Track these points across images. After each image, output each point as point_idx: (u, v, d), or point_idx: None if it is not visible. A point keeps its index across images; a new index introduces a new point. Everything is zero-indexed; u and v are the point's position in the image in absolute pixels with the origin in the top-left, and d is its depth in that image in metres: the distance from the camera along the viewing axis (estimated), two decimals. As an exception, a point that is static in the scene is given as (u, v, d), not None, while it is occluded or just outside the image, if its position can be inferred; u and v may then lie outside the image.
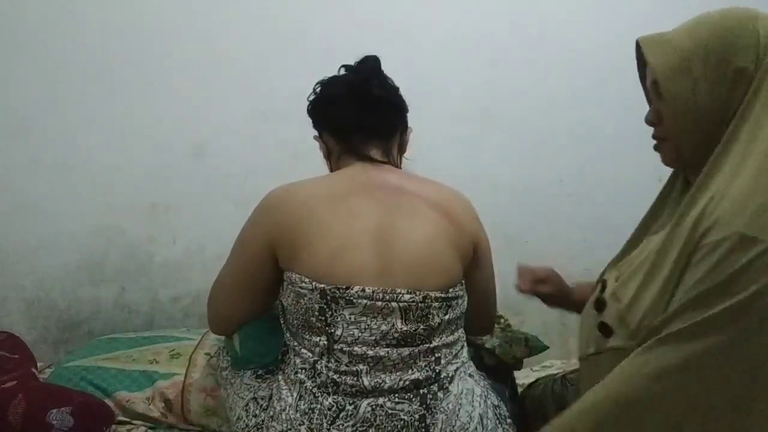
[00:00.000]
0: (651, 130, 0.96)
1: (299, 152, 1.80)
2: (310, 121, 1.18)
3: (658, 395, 0.76)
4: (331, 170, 1.19)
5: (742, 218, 0.74)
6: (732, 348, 0.73)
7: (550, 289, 1.20)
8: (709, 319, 0.74)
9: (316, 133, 1.19)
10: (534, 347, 1.38)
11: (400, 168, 1.19)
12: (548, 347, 1.42)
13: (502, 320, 1.45)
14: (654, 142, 0.96)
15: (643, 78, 0.94)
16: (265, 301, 1.14)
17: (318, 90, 1.15)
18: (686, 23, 0.89)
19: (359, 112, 1.10)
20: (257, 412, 1.04)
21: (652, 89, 0.91)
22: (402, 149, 1.20)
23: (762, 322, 0.72)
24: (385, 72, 1.14)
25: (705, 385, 0.74)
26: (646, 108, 0.97)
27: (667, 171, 1.06)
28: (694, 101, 0.84)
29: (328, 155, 1.19)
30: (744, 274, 0.72)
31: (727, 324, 0.73)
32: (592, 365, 0.95)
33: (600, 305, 0.92)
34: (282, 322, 1.10)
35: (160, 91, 1.82)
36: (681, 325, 0.75)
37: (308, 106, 1.16)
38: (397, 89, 1.15)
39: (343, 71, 1.15)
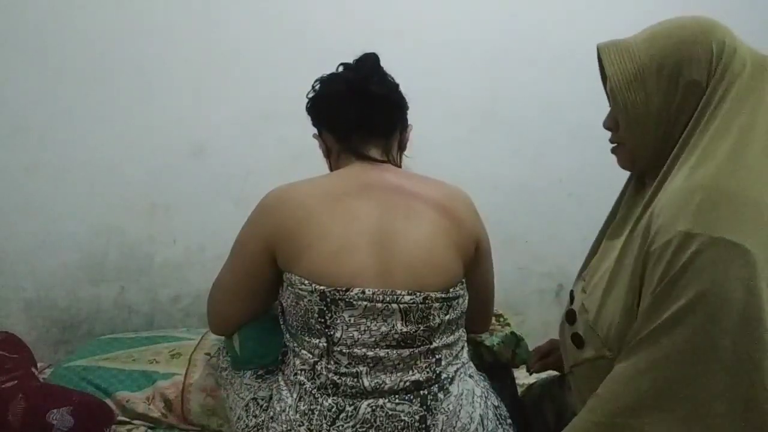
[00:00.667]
0: None
1: (299, 152, 1.80)
2: (309, 119, 1.18)
3: (633, 402, 0.78)
4: (331, 169, 1.19)
5: (684, 218, 0.76)
6: (680, 350, 0.74)
7: (556, 357, 1.24)
8: (660, 324, 0.76)
9: (315, 131, 1.19)
10: (519, 357, 1.39)
11: (401, 166, 1.19)
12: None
13: (501, 319, 1.45)
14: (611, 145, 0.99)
15: (605, 82, 0.96)
16: (264, 302, 1.14)
17: (317, 87, 1.15)
18: (646, 31, 0.91)
19: (358, 111, 1.09)
20: (257, 412, 1.04)
21: (610, 97, 0.93)
22: (402, 147, 1.20)
23: (706, 322, 0.73)
24: (384, 69, 1.14)
25: (661, 389, 0.76)
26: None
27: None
28: (647, 111, 0.87)
29: (327, 153, 1.18)
30: (687, 272, 0.74)
31: (676, 327, 0.74)
32: (575, 378, 0.96)
33: (571, 317, 0.94)
34: (282, 323, 1.10)
35: (160, 91, 1.82)
36: (643, 333, 0.78)
37: (307, 104, 1.16)
38: (396, 86, 1.15)
39: (341, 69, 1.14)
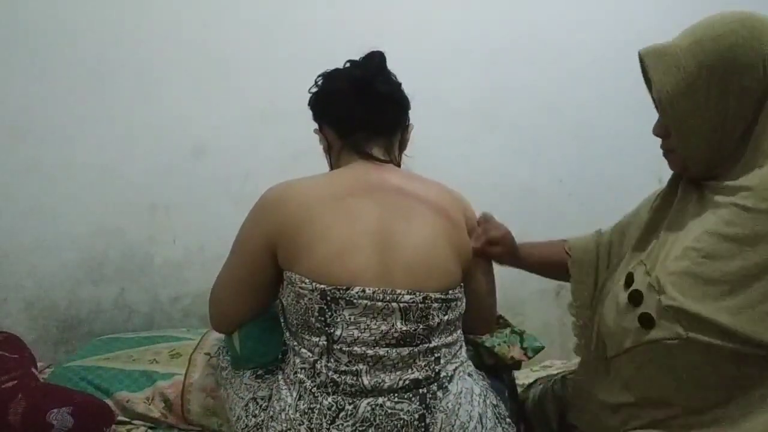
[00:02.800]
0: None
1: (299, 152, 1.80)
2: (311, 113, 1.17)
3: None
4: (330, 164, 1.18)
5: None
6: None
7: (500, 251, 1.22)
8: None
9: (315, 125, 1.18)
10: (530, 348, 1.38)
11: (400, 166, 1.19)
12: (544, 347, 1.42)
13: (501, 320, 1.45)
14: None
15: (650, 87, 0.94)
16: (265, 299, 1.13)
17: (320, 82, 1.14)
18: (689, 34, 0.87)
19: (363, 109, 1.09)
20: (257, 412, 1.04)
21: (658, 106, 0.91)
22: (403, 146, 1.19)
23: None
24: (389, 69, 1.13)
25: None
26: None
27: (667, 171, 1.07)
28: (699, 121, 0.85)
29: (327, 149, 1.17)
30: None
31: None
32: (628, 360, 0.94)
33: (636, 299, 0.92)
34: (282, 321, 1.10)
35: (160, 91, 1.82)
36: None
37: (310, 98, 1.15)
38: (399, 85, 1.14)
39: (348, 66, 1.13)
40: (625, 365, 0.95)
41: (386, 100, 1.10)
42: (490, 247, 1.19)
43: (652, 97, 0.93)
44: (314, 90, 1.14)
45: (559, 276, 1.28)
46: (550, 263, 1.29)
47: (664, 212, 1.00)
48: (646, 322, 0.89)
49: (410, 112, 1.18)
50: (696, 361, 0.86)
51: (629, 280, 0.96)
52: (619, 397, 0.97)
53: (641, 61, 0.92)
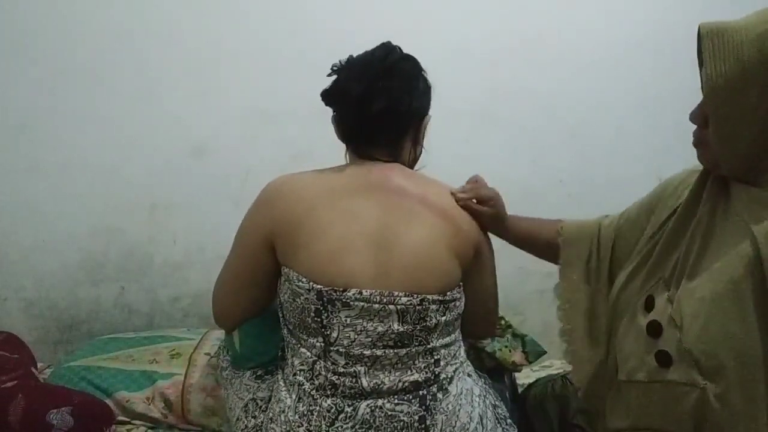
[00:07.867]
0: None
1: (299, 152, 1.80)
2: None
3: None
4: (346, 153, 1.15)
5: None
6: None
7: (488, 212, 1.14)
8: None
9: (325, 121, 1.14)
10: (531, 353, 1.38)
11: (415, 162, 1.16)
12: (545, 352, 1.41)
13: (502, 321, 1.44)
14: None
15: (701, 64, 0.85)
16: (266, 295, 1.12)
17: (336, 69, 1.08)
18: (760, 22, 0.77)
19: (361, 124, 1.06)
20: (256, 413, 1.04)
21: (704, 91, 0.82)
22: (418, 142, 1.16)
23: None
24: (397, 60, 1.09)
25: None
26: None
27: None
28: (745, 121, 0.78)
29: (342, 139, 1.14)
30: None
31: None
32: (640, 392, 0.88)
33: (655, 330, 0.85)
34: (281, 317, 1.09)
35: (160, 91, 1.82)
36: None
37: (322, 91, 1.09)
38: (409, 84, 1.09)
39: (356, 63, 1.08)
40: (634, 394, 0.89)
41: (385, 116, 1.05)
42: (478, 205, 1.13)
43: (701, 76, 0.83)
44: (330, 80, 1.09)
45: (544, 254, 1.22)
46: (537, 238, 1.21)
47: (687, 221, 0.90)
48: (663, 360, 0.82)
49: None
50: (716, 413, 0.77)
51: (649, 303, 0.89)
52: (618, 420, 0.92)
53: (699, 37, 0.81)
